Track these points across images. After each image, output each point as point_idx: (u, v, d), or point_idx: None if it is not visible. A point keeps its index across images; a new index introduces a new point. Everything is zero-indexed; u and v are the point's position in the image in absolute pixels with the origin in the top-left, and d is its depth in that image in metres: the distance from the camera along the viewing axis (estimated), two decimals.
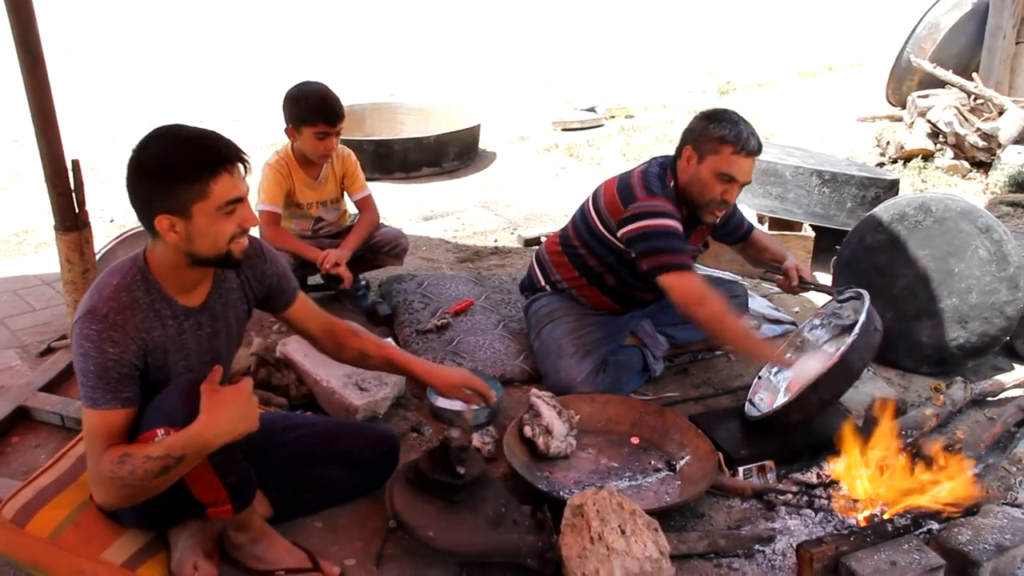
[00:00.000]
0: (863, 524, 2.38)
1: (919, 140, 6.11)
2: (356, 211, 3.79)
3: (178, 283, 1.99)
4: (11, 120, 7.23)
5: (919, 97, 6.50)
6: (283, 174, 3.50)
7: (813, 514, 2.48)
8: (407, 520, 2.17)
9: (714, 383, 3.23)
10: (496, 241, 4.85)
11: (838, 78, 9.61)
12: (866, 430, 2.61)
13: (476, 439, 2.75)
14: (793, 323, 3.68)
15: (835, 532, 2.36)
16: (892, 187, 4.48)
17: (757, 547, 2.34)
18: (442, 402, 2.96)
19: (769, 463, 2.66)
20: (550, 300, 3.22)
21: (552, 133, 7.39)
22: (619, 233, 2.93)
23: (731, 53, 11.24)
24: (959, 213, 3.19)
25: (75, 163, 2.84)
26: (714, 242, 3.36)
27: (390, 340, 3.39)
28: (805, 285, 3.15)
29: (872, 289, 3.30)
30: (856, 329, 2.61)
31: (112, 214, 5.15)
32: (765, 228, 4.36)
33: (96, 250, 3.11)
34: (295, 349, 3.01)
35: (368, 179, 3.85)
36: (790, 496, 2.53)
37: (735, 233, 3.28)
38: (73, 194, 2.87)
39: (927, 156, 6.02)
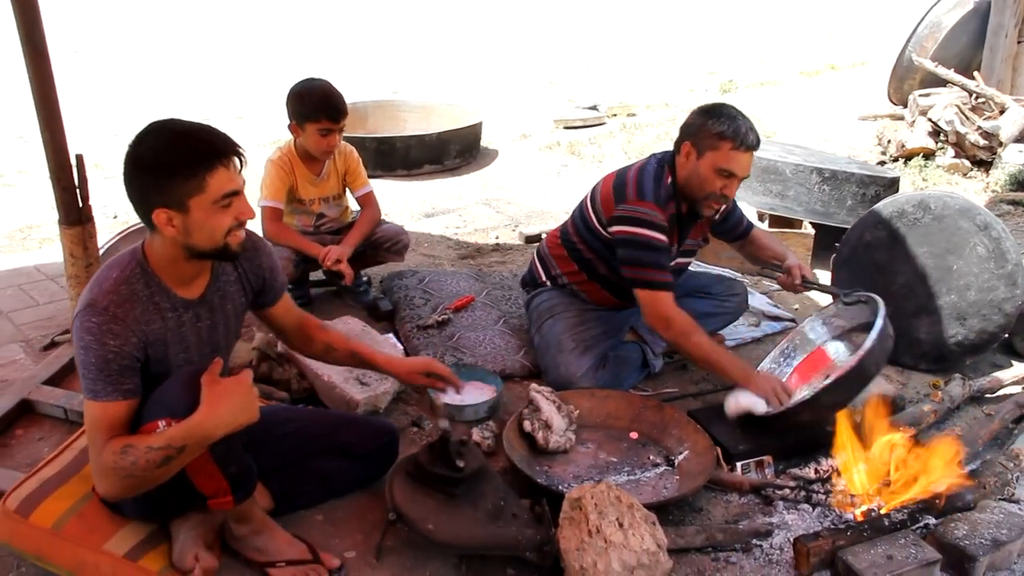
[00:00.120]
0: (860, 519, 2.39)
1: (920, 139, 6.11)
2: (358, 208, 3.80)
3: (176, 276, 2.01)
4: (15, 117, 7.27)
5: (920, 96, 6.49)
6: (286, 170, 3.52)
7: (811, 509, 2.49)
8: (407, 513, 2.18)
9: (713, 379, 3.23)
10: (497, 238, 4.86)
11: (840, 77, 9.60)
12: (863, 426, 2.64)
13: (476, 433, 2.77)
14: (793, 320, 3.70)
15: (832, 527, 2.37)
16: (892, 185, 4.49)
17: (755, 541, 2.35)
18: (444, 397, 2.98)
19: (767, 458, 2.67)
20: (551, 296, 3.23)
21: (554, 131, 7.41)
22: (609, 230, 2.96)
23: (734, 52, 11.25)
24: (958, 210, 3.20)
25: (79, 158, 2.86)
26: (714, 240, 3.36)
27: (391, 336, 3.41)
28: (808, 284, 3.15)
29: (871, 286, 3.33)
30: (873, 335, 2.63)
31: (115, 210, 5.17)
32: (765, 225, 4.37)
33: (99, 245, 3.13)
34: None
35: (370, 176, 3.86)
36: (788, 491, 2.54)
37: (735, 230, 3.28)
38: (77, 188, 2.89)
39: (928, 155, 6.03)
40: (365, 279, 3.95)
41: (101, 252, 3.15)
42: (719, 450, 2.65)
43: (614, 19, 14.14)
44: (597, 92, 8.71)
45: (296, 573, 2.15)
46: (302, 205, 3.63)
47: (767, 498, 2.54)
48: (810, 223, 4.33)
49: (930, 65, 6.60)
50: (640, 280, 2.89)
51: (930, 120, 6.18)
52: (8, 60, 7.86)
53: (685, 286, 3.27)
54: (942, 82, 6.55)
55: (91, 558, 2.06)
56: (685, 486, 2.53)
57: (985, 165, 5.84)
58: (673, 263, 3.04)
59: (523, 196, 5.62)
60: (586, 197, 3.14)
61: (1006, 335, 3.32)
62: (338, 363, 2.54)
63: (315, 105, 3.38)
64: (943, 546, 2.23)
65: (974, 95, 6.22)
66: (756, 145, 2.82)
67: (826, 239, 4.19)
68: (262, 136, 6.60)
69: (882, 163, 6.13)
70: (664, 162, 2.98)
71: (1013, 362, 3.36)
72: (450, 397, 2.97)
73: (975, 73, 6.46)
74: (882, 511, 2.39)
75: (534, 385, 2.84)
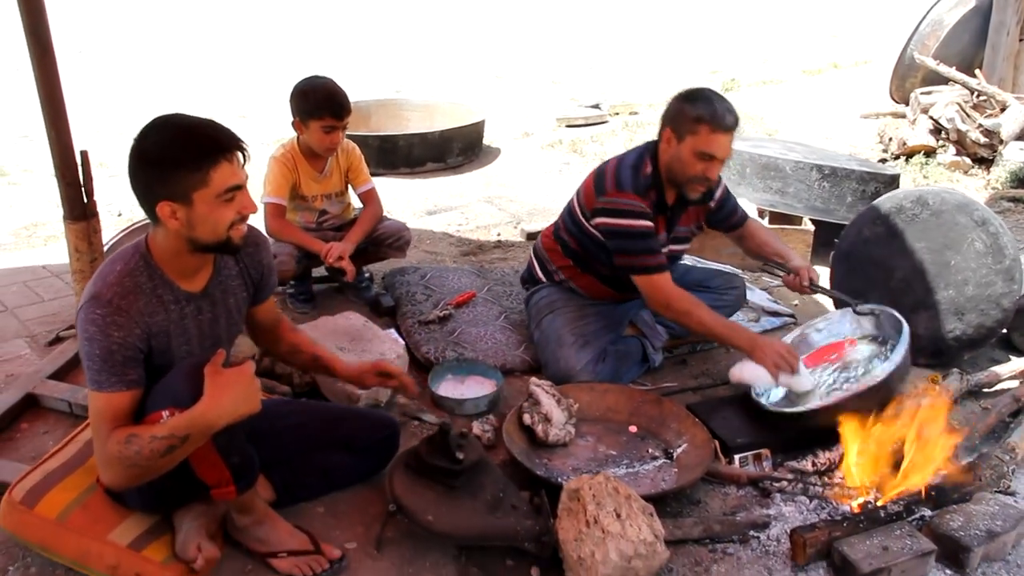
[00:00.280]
0: (856, 511, 2.41)
1: (921, 136, 6.12)
2: (360, 205, 3.83)
3: (179, 269, 2.04)
4: (21, 117, 7.32)
5: (922, 94, 6.51)
6: (289, 167, 3.54)
7: (808, 501, 2.51)
8: (407, 504, 2.21)
9: (712, 374, 3.26)
10: (499, 235, 4.89)
11: (843, 76, 9.61)
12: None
13: (476, 427, 2.79)
14: (792, 316, 3.72)
15: (828, 518, 2.39)
16: (892, 182, 4.50)
17: (752, 533, 2.37)
18: (443, 390, 3.01)
19: (765, 451, 2.69)
20: (550, 292, 3.26)
21: (556, 129, 7.43)
22: (593, 222, 3.00)
23: (736, 51, 11.26)
24: (955, 206, 3.21)
25: (83, 154, 2.89)
26: (715, 237, 3.38)
27: (392, 331, 3.44)
28: (817, 289, 3.15)
29: (869, 281, 3.36)
30: (902, 349, 2.69)
31: (120, 208, 5.20)
32: (765, 222, 4.38)
33: (104, 242, 3.16)
34: None
35: (373, 174, 3.88)
36: (785, 483, 2.56)
37: (729, 219, 3.28)
38: (82, 184, 2.92)
39: (929, 152, 6.05)
40: (367, 275, 3.97)
41: (105, 248, 3.17)
42: (717, 443, 2.67)
43: (617, 18, 14.15)
44: (600, 91, 8.72)
45: (297, 563, 2.17)
46: (305, 202, 3.66)
47: (764, 490, 2.56)
48: (810, 220, 4.34)
49: (932, 63, 6.61)
50: (635, 267, 2.94)
51: (931, 118, 6.19)
52: (14, 61, 7.93)
53: (684, 280, 3.29)
54: (944, 80, 6.56)
55: (95, 548, 2.09)
56: (683, 478, 2.55)
57: (986, 163, 5.85)
58: (667, 250, 3.07)
59: (525, 194, 5.64)
60: (575, 192, 3.17)
61: (1004, 330, 3.33)
62: (301, 365, 2.56)
63: (319, 102, 3.41)
64: (938, 537, 2.25)
65: (975, 93, 6.23)
66: (734, 126, 2.85)
67: (826, 235, 4.20)
68: (265, 135, 6.62)
69: (883, 161, 6.15)
70: (646, 151, 3.01)
71: (1011, 357, 3.37)
72: (450, 391, 3.01)
73: (977, 71, 6.46)
74: (878, 503, 2.41)
75: (534, 379, 2.87)
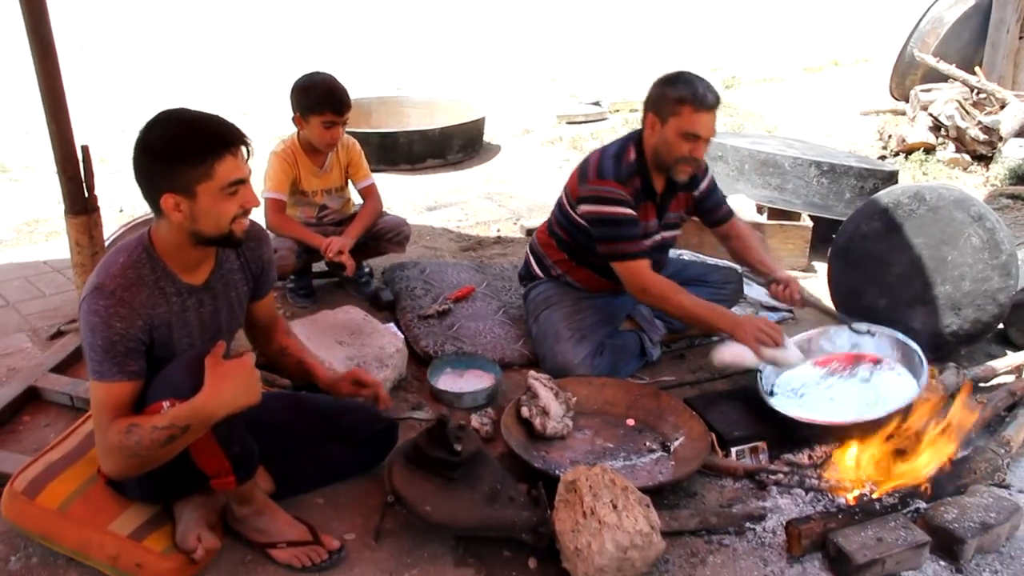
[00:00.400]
0: (852, 503, 2.43)
1: (921, 133, 6.13)
2: (360, 200, 3.84)
3: (182, 262, 2.06)
4: (22, 113, 7.34)
5: (922, 91, 6.52)
6: (289, 162, 3.56)
7: (804, 493, 2.53)
8: (405, 495, 2.22)
9: (710, 368, 3.27)
10: (499, 231, 4.90)
11: (843, 73, 9.61)
12: None
13: (475, 420, 2.81)
14: (790, 311, 3.72)
15: (824, 510, 2.41)
16: (891, 178, 4.51)
17: (748, 525, 2.39)
18: (441, 383, 3.03)
19: (762, 444, 2.71)
20: (547, 287, 3.27)
21: (556, 126, 7.45)
22: (578, 211, 3.04)
23: (737, 48, 11.25)
24: (952, 202, 3.22)
25: (84, 148, 2.91)
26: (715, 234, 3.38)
27: (391, 325, 3.45)
28: (810, 304, 3.15)
29: (867, 276, 3.37)
30: (921, 384, 2.75)
31: (121, 204, 5.21)
32: (764, 218, 4.40)
33: (105, 237, 3.18)
34: (299, 332, 3.05)
35: (373, 171, 3.90)
36: (781, 476, 2.58)
37: (716, 211, 3.26)
38: (83, 179, 2.94)
39: (929, 149, 6.05)
40: (367, 270, 3.99)
41: (106, 244, 3.19)
42: (714, 436, 2.68)
43: (617, 15, 14.14)
44: (600, 88, 8.73)
45: (296, 554, 2.19)
46: (305, 197, 3.68)
47: (761, 483, 2.58)
48: (808, 216, 4.36)
49: (932, 60, 6.62)
50: (615, 254, 2.98)
51: (931, 115, 6.20)
52: (15, 58, 7.94)
53: (682, 275, 3.31)
54: (944, 77, 6.57)
55: (96, 538, 2.11)
56: (680, 471, 2.57)
57: (985, 160, 5.85)
58: (659, 236, 3.09)
59: (525, 190, 5.66)
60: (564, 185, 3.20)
61: (1001, 325, 3.34)
62: (285, 367, 2.57)
63: (319, 98, 3.42)
64: (932, 529, 2.26)
65: (975, 90, 6.24)
66: (716, 104, 2.88)
67: (824, 232, 4.22)
68: (267, 132, 6.63)
69: (883, 158, 6.16)
70: (630, 140, 3.05)
71: (1007, 351, 3.38)
72: (449, 384, 3.03)
73: (976, 68, 6.48)
74: (874, 495, 2.43)
75: (532, 373, 2.88)
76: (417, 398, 3.02)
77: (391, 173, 5.87)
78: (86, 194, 2.96)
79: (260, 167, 3.40)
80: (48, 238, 4.78)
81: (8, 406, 2.82)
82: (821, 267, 3.69)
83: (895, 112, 7.20)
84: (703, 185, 3.19)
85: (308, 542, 2.22)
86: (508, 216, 5.15)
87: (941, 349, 3.30)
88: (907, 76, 7.19)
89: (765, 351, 2.78)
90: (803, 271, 4.23)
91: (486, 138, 6.71)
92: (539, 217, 5.04)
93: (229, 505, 2.22)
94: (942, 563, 2.24)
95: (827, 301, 3.51)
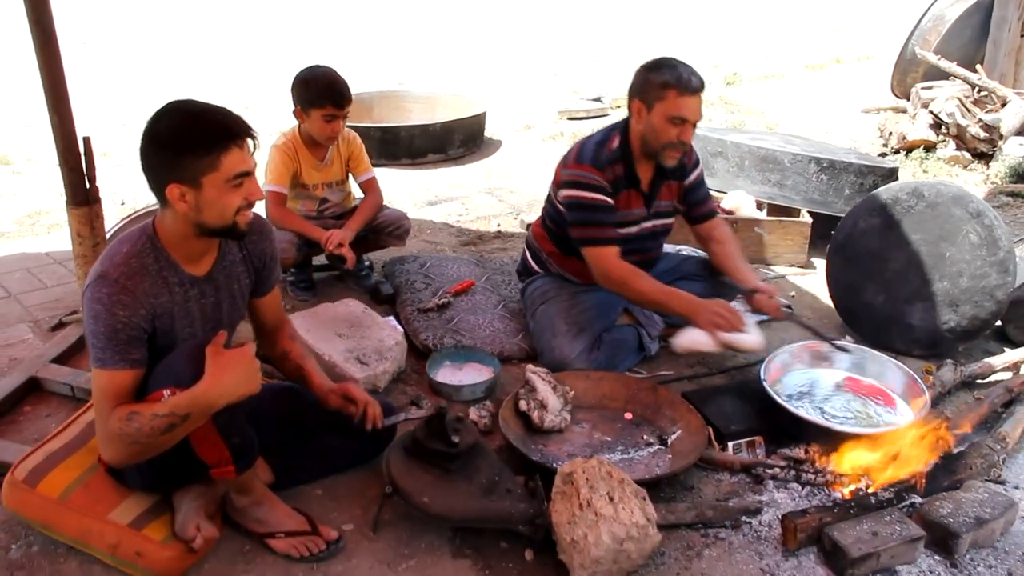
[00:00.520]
0: (848, 497, 2.44)
1: (921, 131, 6.13)
2: (361, 194, 3.85)
3: (185, 252, 2.07)
4: (24, 106, 7.35)
5: (923, 88, 6.52)
6: (290, 156, 3.57)
7: (800, 488, 2.54)
8: (403, 486, 2.24)
9: (707, 363, 3.28)
10: (499, 226, 4.91)
11: (845, 71, 9.62)
12: None
13: (473, 413, 2.82)
14: (788, 307, 3.72)
15: (820, 504, 2.42)
16: (890, 175, 4.51)
17: (744, 518, 2.40)
18: (440, 376, 3.05)
19: (758, 439, 2.72)
20: (544, 282, 3.29)
21: (558, 122, 7.45)
22: (559, 196, 3.08)
23: (739, 45, 11.25)
24: (951, 198, 3.23)
25: (86, 140, 2.92)
26: None
27: (391, 318, 3.47)
28: (795, 319, 3.18)
29: (865, 273, 3.38)
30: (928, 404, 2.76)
31: (123, 197, 5.22)
32: (764, 214, 4.40)
33: (107, 229, 3.19)
34: (299, 324, 3.07)
35: (375, 165, 3.91)
36: (778, 470, 2.59)
37: (701, 206, 3.25)
38: (84, 170, 2.95)
39: (929, 147, 6.05)
40: (367, 263, 4.00)
41: (108, 236, 3.20)
42: (711, 430, 2.69)
43: (620, 11, 14.13)
44: (601, 84, 8.73)
45: (295, 544, 2.21)
46: (306, 190, 3.69)
47: (757, 477, 2.59)
48: (808, 212, 4.36)
49: (933, 58, 6.62)
50: (585, 239, 3.01)
51: (932, 112, 6.20)
52: (17, 51, 7.95)
53: (680, 269, 3.32)
54: (945, 75, 6.56)
55: (96, 527, 2.13)
56: (676, 464, 2.58)
57: (985, 157, 5.86)
58: (649, 225, 3.12)
59: (526, 185, 5.66)
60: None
61: (998, 322, 3.36)
62: (285, 372, 2.54)
63: (320, 91, 3.43)
64: (928, 523, 2.28)
65: (976, 88, 6.24)
66: (701, 88, 2.90)
67: (823, 228, 4.21)
68: (269, 126, 6.63)
69: (883, 155, 6.16)
70: (615, 128, 3.06)
71: (1005, 348, 3.39)
72: (448, 377, 3.05)
73: (978, 66, 6.47)
74: (869, 490, 2.44)
75: (530, 366, 2.89)
76: (416, 391, 3.03)
77: (392, 167, 5.88)
78: (88, 185, 2.97)
79: (261, 160, 3.41)
80: (50, 230, 4.80)
81: (9, 396, 2.84)
82: (820, 263, 3.69)
83: (896, 109, 7.21)
84: (692, 176, 3.21)
85: (306, 532, 2.23)
86: (508, 211, 5.16)
87: (938, 345, 3.32)
88: (908, 74, 7.19)
89: (722, 335, 2.80)
90: (802, 267, 4.24)
91: (487, 133, 6.72)
92: (539, 212, 5.04)
93: (228, 495, 2.24)
94: (937, 557, 2.25)
95: (825, 299, 3.51)
